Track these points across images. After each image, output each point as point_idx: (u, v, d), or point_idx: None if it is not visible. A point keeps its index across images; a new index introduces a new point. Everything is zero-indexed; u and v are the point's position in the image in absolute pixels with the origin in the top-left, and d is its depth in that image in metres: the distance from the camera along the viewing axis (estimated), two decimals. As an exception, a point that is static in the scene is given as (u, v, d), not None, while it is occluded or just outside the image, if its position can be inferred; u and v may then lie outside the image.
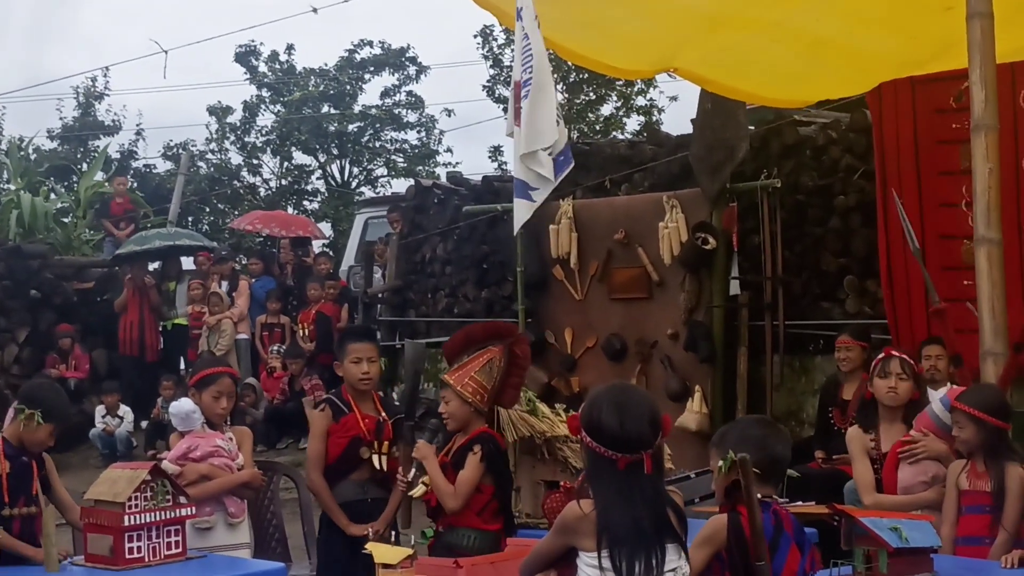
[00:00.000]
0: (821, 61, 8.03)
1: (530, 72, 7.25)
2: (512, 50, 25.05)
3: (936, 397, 6.76)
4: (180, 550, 5.63)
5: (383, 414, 6.60)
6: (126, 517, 5.43)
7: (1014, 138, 7.99)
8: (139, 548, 5.49)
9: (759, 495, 4.23)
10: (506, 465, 6.05)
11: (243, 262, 19.88)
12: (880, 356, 6.71)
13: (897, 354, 6.50)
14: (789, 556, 4.24)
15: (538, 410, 6.77)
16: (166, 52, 16.37)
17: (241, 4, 40.80)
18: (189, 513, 5.72)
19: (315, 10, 15.18)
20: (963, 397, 5.71)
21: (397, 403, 7.17)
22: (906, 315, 8.90)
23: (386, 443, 6.52)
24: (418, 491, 5.96)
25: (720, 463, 4.34)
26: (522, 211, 7.79)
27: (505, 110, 26.79)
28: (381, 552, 4.89)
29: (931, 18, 7.14)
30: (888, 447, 6.45)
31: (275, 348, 14.85)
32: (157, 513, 5.53)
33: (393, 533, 6.44)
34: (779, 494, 8.56)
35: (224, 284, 15.44)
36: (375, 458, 6.50)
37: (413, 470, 6.02)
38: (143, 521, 5.49)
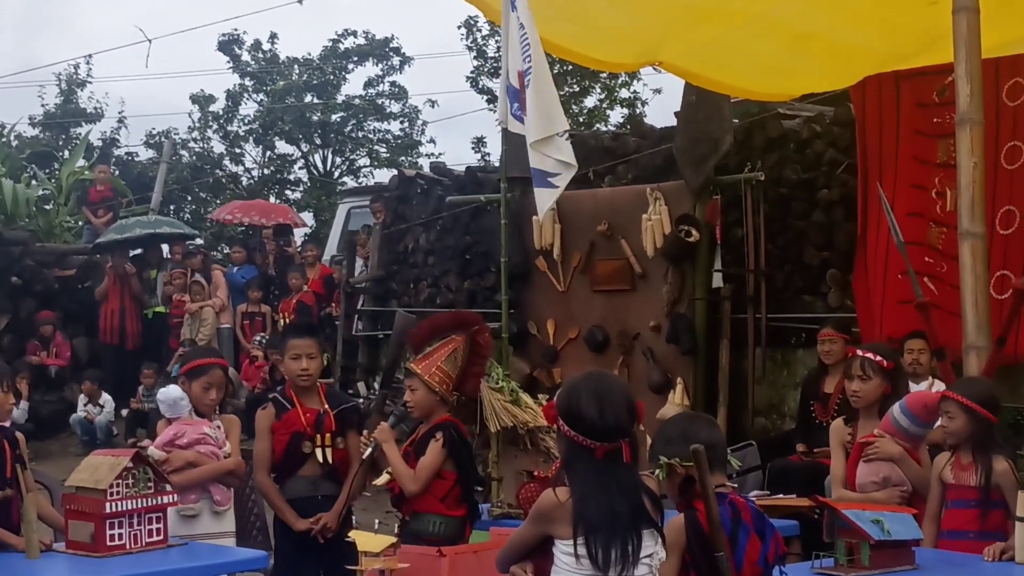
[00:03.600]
0: (806, 54, 8.04)
1: (529, 61, 7.20)
2: (497, 41, 24.87)
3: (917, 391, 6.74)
4: (161, 537, 5.61)
5: (325, 406, 6.52)
6: (107, 504, 5.41)
7: (996, 133, 8.01)
8: (120, 535, 5.47)
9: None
10: (469, 453, 6.08)
11: (225, 251, 19.80)
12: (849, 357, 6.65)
13: (861, 353, 6.33)
14: (749, 546, 4.22)
15: (521, 400, 6.77)
16: (150, 41, 16.33)
17: (225, -9, 40.65)
18: (171, 500, 5.70)
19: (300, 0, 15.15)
20: (956, 387, 5.70)
21: (351, 392, 7.14)
22: (878, 307, 8.91)
23: (328, 435, 6.43)
24: (382, 479, 5.97)
25: (657, 472, 4.26)
26: (545, 199, 7.66)
27: (489, 100, 26.66)
28: (364, 540, 4.89)
29: (916, 12, 7.16)
30: (862, 442, 6.43)
31: (257, 338, 14.83)
32: (139, 500, 5.51)
33: (376, 523, 6.42)
34: (761, 487, 8.65)
35: (197, 276, 15.38)
36: (318, 452, 6.43)
37: (370, 449, 6.02)
38: (124, 508, 5.47)
